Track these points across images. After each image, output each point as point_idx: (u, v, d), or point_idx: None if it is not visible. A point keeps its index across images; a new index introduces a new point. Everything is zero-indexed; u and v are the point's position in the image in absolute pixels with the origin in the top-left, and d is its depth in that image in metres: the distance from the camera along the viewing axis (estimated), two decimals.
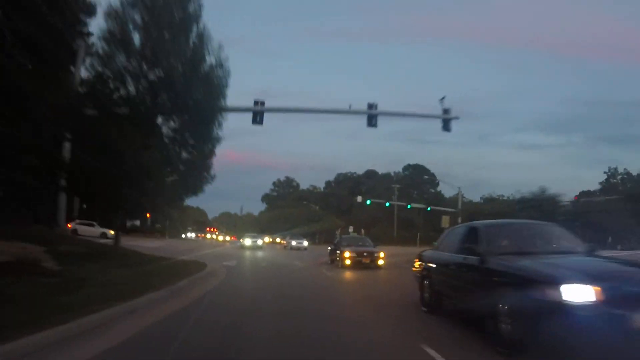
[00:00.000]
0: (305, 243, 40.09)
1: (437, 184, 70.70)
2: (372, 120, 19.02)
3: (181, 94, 11.64)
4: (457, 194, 47.48)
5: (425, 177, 65.95)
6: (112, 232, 21.22)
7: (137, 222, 48.09)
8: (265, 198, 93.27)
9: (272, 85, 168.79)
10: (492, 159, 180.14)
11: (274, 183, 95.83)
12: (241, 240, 42.23)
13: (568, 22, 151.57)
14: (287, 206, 75.97)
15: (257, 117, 16.28)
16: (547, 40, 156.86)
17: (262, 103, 16.59)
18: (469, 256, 5.76)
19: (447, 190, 75.72)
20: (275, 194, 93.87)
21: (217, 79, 12.74)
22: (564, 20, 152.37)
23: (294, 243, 39.56)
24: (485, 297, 4.97)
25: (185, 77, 11.48)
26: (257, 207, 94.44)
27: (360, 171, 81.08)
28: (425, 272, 7.48)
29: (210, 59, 12.52)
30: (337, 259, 17.52)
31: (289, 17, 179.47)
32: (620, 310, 4.00)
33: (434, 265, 7.23)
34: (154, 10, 10.23)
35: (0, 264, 7.22)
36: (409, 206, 44.24)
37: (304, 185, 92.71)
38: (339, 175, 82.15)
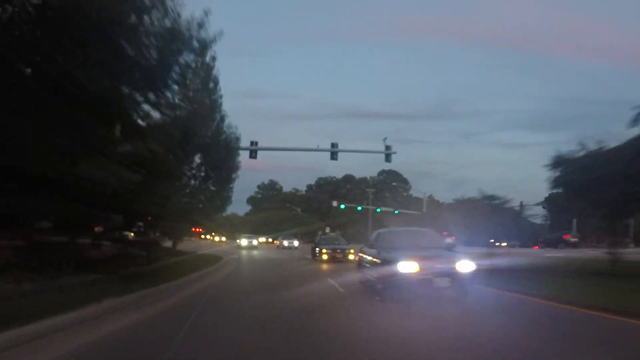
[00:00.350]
0: (296, 243, 44.45)
1: (410, 188, 76.41)
2: (334, 155, 24.01)
3: (208, 155, 16.71)
4: (424, 199, 53.10)
5: (394, 184, 71.35)
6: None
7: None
8: (251, 200, 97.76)
9: (259, 85, 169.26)
10: (476, 158, 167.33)
11: (258, 186, 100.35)
12: (237, 240, 45.05)
13: (552, 21, 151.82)
14: (271, 208, 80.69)
15: (253, 153, 21.57)
16: (531, 40, 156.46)
17: (256, 143, 21.93)
18: (374, 249, 10.84)
19: (423, 192, 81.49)
20: (259, 196, 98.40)
21: (232, 143, 18.45)
22: (548, 20, 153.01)
23: (285, 243, 44.00)
24: (375, 271, 10.04)
25: (212, 143, 16.51)
26: (242, 209, 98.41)
27: (340, 175, 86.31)
28: (360, 260, 12.58)
29: (227, 130, 18.26)
30: (317, 254, 22.46)
31: (277, 18, 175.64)
32: (428, 276, 8.85)
33: (362, 255, 12.33)
34: (193, 97, 14.95)
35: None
36: (378, 210, 49.32)
37: (286, 188, 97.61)
38: (320, 179, 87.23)
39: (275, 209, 79.25)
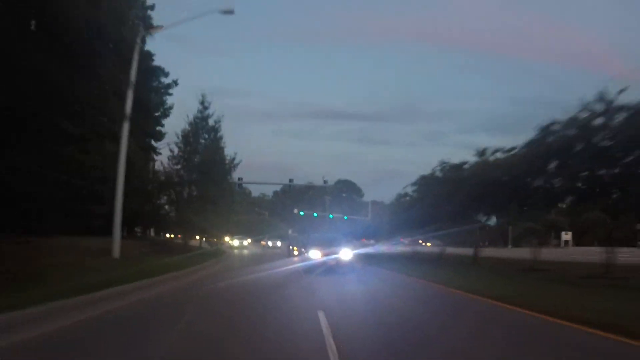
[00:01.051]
0: (279, 243, 53.13)
1: (363, 195, 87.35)
2: (240, 186, 33.94)
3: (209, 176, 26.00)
4: (369, 204, 63.75)
5: (343, 194, 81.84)
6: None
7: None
8: None
9: (225, 83, 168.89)
10: (440, 158, 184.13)
11: None
12: (230, 241, 51.22)
13: (515, 24, 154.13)
14: (242, 212, 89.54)
15: (240, 186, 31.47)
16: (494, 42, 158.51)
17: (241, 178, 31.80)
18: (300, 244, 20.93)
19: (384, 196, 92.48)
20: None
21: (229, 167, 28.19)
22: (512, 24, 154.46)
23: (270, 243, 52.98)
24: (300, 257, 20.04)
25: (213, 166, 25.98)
26: None
27: (304, 182, 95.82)
28: (290, 251, 22.60)
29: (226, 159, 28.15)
30: (290, 251, 31.31)
31: (244, 17, 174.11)
32: (330, 259, 18.75)
33: (291, 248, 22.42)
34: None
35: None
36: (330, 216, 59.43)
37: (255, 192, 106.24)
38: (285, 186, 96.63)
39: (244, 212, 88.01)
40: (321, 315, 7.91)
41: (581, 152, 14.87)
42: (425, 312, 9.56)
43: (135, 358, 5.37)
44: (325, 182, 34.94)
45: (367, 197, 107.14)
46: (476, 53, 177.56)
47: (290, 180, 33.81)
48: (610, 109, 14.13)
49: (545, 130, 16.69)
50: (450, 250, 35.17)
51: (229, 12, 18.82)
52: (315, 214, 60.28)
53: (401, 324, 7.72)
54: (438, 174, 24.47)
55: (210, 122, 27.53)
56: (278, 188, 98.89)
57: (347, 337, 6.31)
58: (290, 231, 46.59)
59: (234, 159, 29.50)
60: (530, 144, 17.41)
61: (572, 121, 15.50)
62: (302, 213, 59.84)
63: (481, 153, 20.64)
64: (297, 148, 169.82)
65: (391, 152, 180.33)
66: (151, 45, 25.22)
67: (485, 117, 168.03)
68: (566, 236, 58.83)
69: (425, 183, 25.18)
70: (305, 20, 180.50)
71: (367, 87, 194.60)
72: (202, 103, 27.72)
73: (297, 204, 73.48)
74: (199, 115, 27.98)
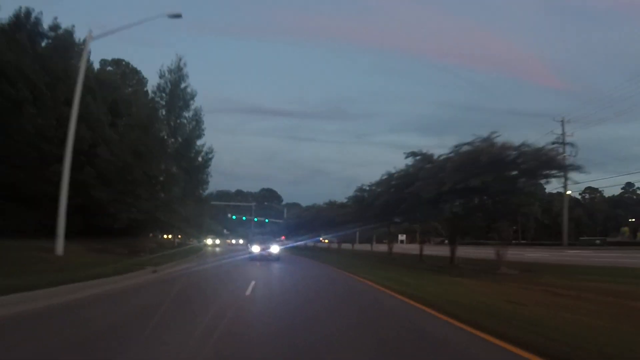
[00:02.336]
0: (241, 241, 63.92)
1: (282, 201, 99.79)
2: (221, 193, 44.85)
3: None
4: (284, 209, 76.46)
5: (265, 203, 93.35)
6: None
7: None
8: None
9: (151, 76, 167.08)
10: (368, 158, 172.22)
11: None
12: (204, 240, 56.77)
13: (447, 31, 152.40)
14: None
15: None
16: (425, 47, 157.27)
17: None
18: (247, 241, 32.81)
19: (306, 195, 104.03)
20: None
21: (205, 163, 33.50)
22: (443, 30, 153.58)
23: (233, 241, 63.41)
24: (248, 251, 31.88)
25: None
26: None
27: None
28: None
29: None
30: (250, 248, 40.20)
31: (172, 9, 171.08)
32: (262, 252, 27.49)
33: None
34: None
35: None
36: (255, 219, 70.85)
37: None
38: (219, 192, 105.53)
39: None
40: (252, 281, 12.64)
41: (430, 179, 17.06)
42: (309, 275, 21.54)
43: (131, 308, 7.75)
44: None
45: (289, 197, 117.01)
46: (406, 57, 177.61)
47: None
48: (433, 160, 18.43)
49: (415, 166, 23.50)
50: (345, 245, 48.96)
51: (177, 15, 18.63)
52: (244, 217, 71.12)
53: (292, 279, 19.22)
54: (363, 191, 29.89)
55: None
56: (213, 192, 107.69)
57: (261, 286, 11.90)
58: (250, 234, 56.47)
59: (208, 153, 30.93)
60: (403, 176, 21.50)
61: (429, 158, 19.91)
62: (234, 217, 70.28)
63: (389, 175, 23.58)
64: (222, 144, 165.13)
65: (318, 150, 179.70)
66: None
67: (413, 119, 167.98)
68: (401, 237, 72.38)
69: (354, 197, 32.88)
70: (233, 15, 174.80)
71: (296, 84, 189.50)
72: (176, 72, 27.86)
73: (229, 209, 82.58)
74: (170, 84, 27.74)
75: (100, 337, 5.23)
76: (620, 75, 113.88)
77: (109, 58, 41.70)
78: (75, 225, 19.18)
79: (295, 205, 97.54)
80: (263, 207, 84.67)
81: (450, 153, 16.43)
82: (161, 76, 27.89)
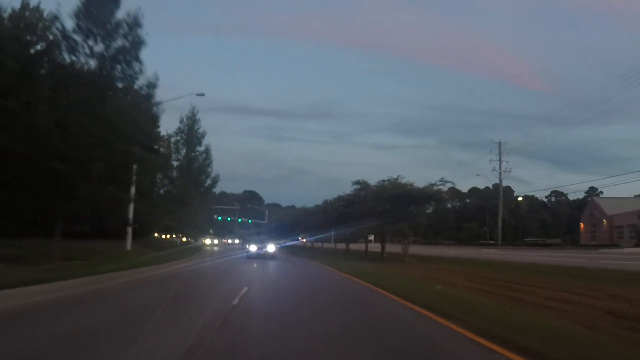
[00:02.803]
0: (237, 240, 70.03)
1: (264, 202, 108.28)
2: None
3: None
4: (266, 212, 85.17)
5: (248, 205, 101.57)
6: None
7: None
8: None
9: None
10: (349, 158, 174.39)
11: None
12: (203, 240, 62.91)
13: (431, 33, 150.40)
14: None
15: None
16: (408, 48, 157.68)
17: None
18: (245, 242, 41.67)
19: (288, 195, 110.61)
20: None
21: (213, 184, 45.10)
22: (426, 31, 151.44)
23: (230, 241, 71.09)
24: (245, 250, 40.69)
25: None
26: None
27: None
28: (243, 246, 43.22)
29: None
30: (247, 247, 39.32)
31: (151, 4, 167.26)
32: (259, 251, 30.89)
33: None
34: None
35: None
36: (239, 220, 79.19)
37: None
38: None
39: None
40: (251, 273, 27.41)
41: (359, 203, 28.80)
42: (294, 268, 30.55)
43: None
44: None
45: (270, 197, 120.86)
46: (391, 58, 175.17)
47: None
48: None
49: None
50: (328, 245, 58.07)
51: (201, 94, 30.30)
52: (229, 219, 79.34)
53: (280, 267, 28.37)
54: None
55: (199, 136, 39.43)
56: None
57: (259, 274, 25.79)
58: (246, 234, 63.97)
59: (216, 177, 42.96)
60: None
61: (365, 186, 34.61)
62: (219, 218, 78.21)
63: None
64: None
65: (300, 149, 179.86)
66: None
67: (396, 120, 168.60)
68: (370, 237, 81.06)
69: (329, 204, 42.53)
70: (217, 13, 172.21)
71: (279, 84, 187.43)
72: (191, 117, 39.46)
73: (214, 210, 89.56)
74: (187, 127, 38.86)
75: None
76: (604, 77, 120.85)
77: None
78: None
79: (275, 205, 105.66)
80: (246, 209, 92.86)
81: (374, 186, 25.95)
82: (180, 121, 39.72)
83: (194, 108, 39.40)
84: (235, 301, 8.44)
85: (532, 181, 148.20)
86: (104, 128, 15.33)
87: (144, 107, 19.56)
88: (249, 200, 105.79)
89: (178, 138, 39.26)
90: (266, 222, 78.27)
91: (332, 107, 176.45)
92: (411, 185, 23.29)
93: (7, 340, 5.03)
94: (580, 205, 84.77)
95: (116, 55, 16.22)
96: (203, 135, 40.58)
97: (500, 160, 57.31)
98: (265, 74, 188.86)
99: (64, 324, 6.02)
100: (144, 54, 17.00)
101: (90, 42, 15.75)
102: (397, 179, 23.96)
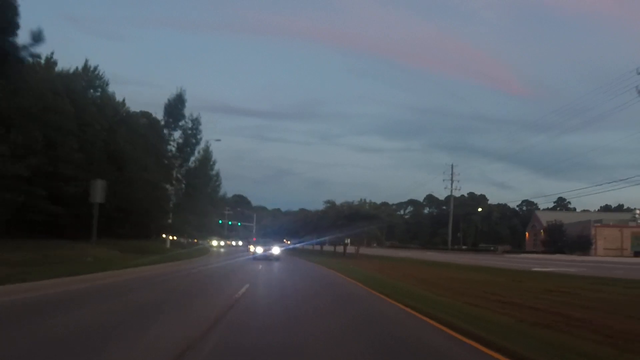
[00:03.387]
0: (240, 242, 78.28)
1: (252, 206, 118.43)
2: None
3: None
4: (254, 217, 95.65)
5: (238, 209, 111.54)
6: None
7: None
8: None
9: (115, 70, 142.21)
10: (335, 159, 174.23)
11: None
12: (209, 242, 67.87)
13: (417, 36, 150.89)
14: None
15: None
16: (394, 50, 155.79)
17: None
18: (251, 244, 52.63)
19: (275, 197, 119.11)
20: None
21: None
22: (413, 34, 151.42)
23: (234, 243, 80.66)
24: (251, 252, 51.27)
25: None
26: None
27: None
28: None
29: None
30: (252, 248, 38.58)
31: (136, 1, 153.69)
32: (266, 253, 32.63)
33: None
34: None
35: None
36: (229, 223, 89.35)
37: None
38: None
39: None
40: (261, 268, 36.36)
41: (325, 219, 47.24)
42: (283, 262, 41.34)
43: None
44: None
45: (256, 198, 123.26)
46: (376, 60, 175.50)
47: None
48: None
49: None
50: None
51: (218, 140, 39.39)
52: (220, 221, 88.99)
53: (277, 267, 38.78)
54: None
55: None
56: None
57: (265, 271, 32.65)
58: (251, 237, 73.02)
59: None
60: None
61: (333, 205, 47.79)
62: (220, 221, 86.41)
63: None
64: None
65: (285, 150, 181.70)
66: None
67: (382, 121, 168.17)
68: (347, 241, 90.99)
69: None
70: (202, 11, 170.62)
71: (264, 84, 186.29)
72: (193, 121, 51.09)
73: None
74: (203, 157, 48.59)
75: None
76: (587, 84, 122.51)
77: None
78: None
79: (262, 209, 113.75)
80: (236, 212, 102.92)
81: (339, 205, 37.63)
82: (198, 152, 50.62)
83: (207, 142, 47.42)
84: (254, 277, 19.32)
85: (518, 187, 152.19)
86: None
87: None
88: (238, 204, 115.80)
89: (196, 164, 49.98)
90: (254, 225, 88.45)
91: (318, 108, 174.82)
92: (363, 206, 34.77)
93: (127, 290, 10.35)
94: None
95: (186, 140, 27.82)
96: (214, 163, 52.04)
97: (452, 180, 68.37)
98: (251, 74, 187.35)
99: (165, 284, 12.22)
100: None
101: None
102: (354, 201, 35.54)
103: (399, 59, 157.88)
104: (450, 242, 70.80)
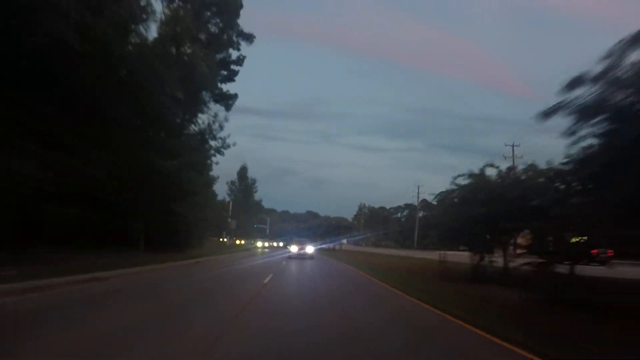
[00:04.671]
0: (282, 243, 79.09)
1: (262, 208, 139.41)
2: None
3: None
4: (267, 220, 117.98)
5: (259, 216, 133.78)
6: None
7: None
8: None
9: None
10: (335, 159, 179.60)
11: None
12: (254, 243, 79.53)
13: (418, 37, 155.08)
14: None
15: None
16: (396, 52, 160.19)
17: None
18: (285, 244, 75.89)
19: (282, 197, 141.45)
20: None
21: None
22: (414, 35, 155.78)
23: (275, 244, 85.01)
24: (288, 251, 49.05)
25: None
26: None
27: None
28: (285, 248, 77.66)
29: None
30: (288, 247, 42.34)
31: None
32: (300, 252, 37.82)
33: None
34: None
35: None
36: (255, 225, 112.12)
37: None
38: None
39: None
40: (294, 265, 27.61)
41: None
42: (322, 268, 34.95)
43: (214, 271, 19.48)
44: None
45: (264, 200, 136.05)
46: (377, 61, 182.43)
47: None
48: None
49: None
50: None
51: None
52: (255, 225, 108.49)
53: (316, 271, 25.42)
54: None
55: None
56: None
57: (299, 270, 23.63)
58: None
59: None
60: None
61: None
62: (255, 225, 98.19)
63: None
64: None
65: (286, 149, 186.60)
66: None
67: (382, 122, 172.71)
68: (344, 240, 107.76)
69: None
70: None
71: (265, 83, 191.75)
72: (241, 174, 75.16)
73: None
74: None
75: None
76: None
77: None
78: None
79: (272, 211, 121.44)
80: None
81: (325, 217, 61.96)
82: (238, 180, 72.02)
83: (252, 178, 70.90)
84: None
85: None
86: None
87: None
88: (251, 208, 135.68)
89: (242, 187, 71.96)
90: (267, 227, 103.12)
91: (319, 108, 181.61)
92: (337, 219, 59.23)
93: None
94: None
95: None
96: (256, 190, 73.13)
97: (418, 192, 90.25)
98: (253, 73, 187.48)
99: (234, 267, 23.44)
100: None
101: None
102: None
103: (399, 59, 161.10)
104: (415, 242, 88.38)
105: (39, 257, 14.69)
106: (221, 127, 30.58)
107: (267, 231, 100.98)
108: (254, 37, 32.54)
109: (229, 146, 31.63)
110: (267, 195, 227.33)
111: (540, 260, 13.22)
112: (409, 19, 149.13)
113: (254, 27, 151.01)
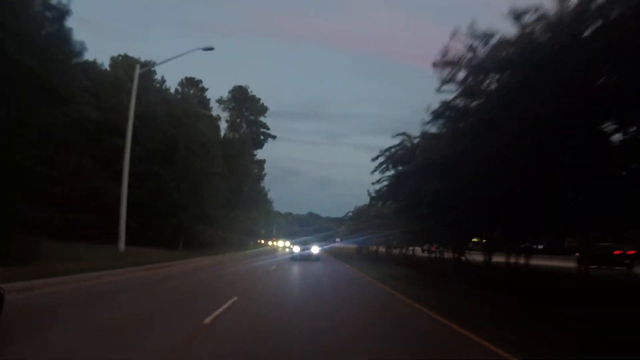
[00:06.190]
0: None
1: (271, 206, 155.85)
2: None
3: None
4: (275, 222, 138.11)
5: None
6: None
7: None
8: None
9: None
10: (341, 159, 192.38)
11: None
12: (276, 243, 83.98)
13: (424, 36, 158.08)
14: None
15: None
16: (401, 51, 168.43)
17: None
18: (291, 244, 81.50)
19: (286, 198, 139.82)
20: None
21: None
22: (419, 35, 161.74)
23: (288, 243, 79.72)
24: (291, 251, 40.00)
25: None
26: None
27: None
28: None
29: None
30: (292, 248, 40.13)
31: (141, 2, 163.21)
32: (304, 252, 34.35)
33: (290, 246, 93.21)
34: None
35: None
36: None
37: None
38: None
39: None
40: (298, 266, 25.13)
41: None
42: (325, 268, 24.40)
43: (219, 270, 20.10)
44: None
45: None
46: (382, 61, 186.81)
47: None
48: None
49: None
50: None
51: (210, 48, 23.54)
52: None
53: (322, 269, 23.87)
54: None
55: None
56: None
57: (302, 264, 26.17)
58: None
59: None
60: None
61: None
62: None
63: None
64: None
65: (292, 150, 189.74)
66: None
67: (387, 121, 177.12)
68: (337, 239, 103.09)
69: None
70: (212, 12, 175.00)
71: (271, 83, 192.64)
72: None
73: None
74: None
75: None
76: None
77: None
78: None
79: (276, 213, 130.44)
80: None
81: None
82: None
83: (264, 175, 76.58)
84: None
85: None
86: None
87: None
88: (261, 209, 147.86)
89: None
90: (274, 228, 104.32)
91: (325, 108, 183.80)
92: (337, 220, 78.44)
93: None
94: None
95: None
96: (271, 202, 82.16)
97: None
98: (258, 74, 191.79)
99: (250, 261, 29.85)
100: None
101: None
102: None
103: (405, 59, 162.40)
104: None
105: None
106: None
107: (273, 231, 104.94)
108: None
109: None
110: (272, 197, 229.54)
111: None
112: (415, 19, 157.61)
113: (259, 28, 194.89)
